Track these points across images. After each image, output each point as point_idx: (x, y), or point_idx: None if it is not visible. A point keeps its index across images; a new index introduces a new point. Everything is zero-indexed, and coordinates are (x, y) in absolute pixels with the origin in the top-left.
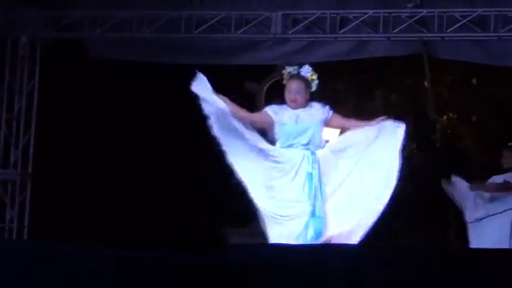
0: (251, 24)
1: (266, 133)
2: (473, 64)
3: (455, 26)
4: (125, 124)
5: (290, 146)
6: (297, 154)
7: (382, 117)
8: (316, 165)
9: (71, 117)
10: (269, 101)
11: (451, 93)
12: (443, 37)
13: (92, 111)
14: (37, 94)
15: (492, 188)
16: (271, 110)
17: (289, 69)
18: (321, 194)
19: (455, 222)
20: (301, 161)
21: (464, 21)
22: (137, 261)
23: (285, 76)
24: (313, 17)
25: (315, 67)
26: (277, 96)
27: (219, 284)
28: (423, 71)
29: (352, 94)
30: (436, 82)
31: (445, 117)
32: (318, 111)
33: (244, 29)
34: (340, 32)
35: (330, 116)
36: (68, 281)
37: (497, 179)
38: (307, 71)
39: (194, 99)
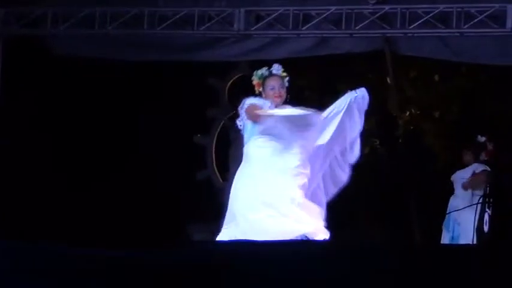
0: (214, 20)
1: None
2: (435, 60)
3: (418, 22)
4: (87, 121)
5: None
6: None
7: None
8: None
9: (32, 114)
10: (232, 98)
11: (413, 90)
12: (405, 33)
13: (54, 109)
14: None
15: (472, 184)
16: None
17: (259, 72)
18: None
19: (418, 218)
20: None
21: (426, 17)
22: (104, 260)
23: (256, 81)
24: (276, 14)
25: (279, 62)
26: (240, 92)
27: (187, 281)
28: (386, 67)
29: (315, 90)
30: (399, 78)
31: (407, 113)
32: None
33: (207, 25)
34: (303, 28)
35: None
36: (35, 279)
37: (461, 173)
38: (278, 68)
39: (159, 96)
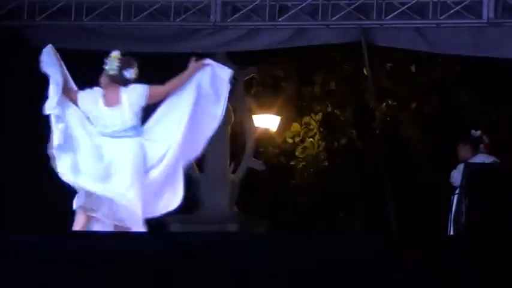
0: (190, 12)
1: None
2: (412, 51)
3: (394, 13)
4: None
5: None
6: None
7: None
8: None
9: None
10: None
11: (390, 81)
12: (382, 24)
13: (34, 101)
14: None
15: None
16: None
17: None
18: None
19: (395, 208)
20: None
21: (403, 8)
22: (78, 249)
23: None
24: (252, 5)
25: (256, 54)
26: None
27: (161, 271)
28: (362, 58)
29: (291, 81)
30: (376, 69)
31: (384, 104)
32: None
33: (183, 16)
34: (280, 19)
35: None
36: None
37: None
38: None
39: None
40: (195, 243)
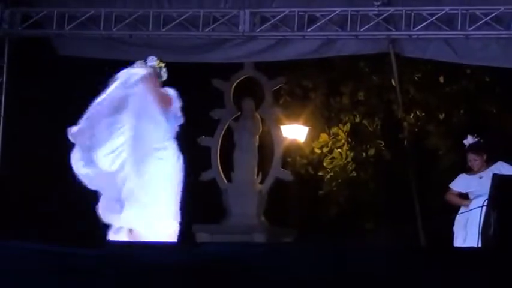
0: (219, 22)
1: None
2: (440, 62)
3: (423, 24)
4: None
5: None
6: None
7: None
8: None
9: (39, 113)
10: (237, 98)
11: (418, 92)
12: (410, 35)
13: (61, 109)
14: (5, 91)
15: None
16: None
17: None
18: None
19: (422, 219)
20: None
21: (431, 19)
22: (96, 257)
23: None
24: (281, 15)
25: (284, 64)
26: (245, 93)
27: (186, 282)
28: (391, 69)
29: (319, 91)
30: (404, 80)
31: (412, 115)
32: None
33: (212, 27)
34: (308, 30)
35: None
36: None
37: (465, 177)
38: (152, 59)
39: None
40: (222, 253)
